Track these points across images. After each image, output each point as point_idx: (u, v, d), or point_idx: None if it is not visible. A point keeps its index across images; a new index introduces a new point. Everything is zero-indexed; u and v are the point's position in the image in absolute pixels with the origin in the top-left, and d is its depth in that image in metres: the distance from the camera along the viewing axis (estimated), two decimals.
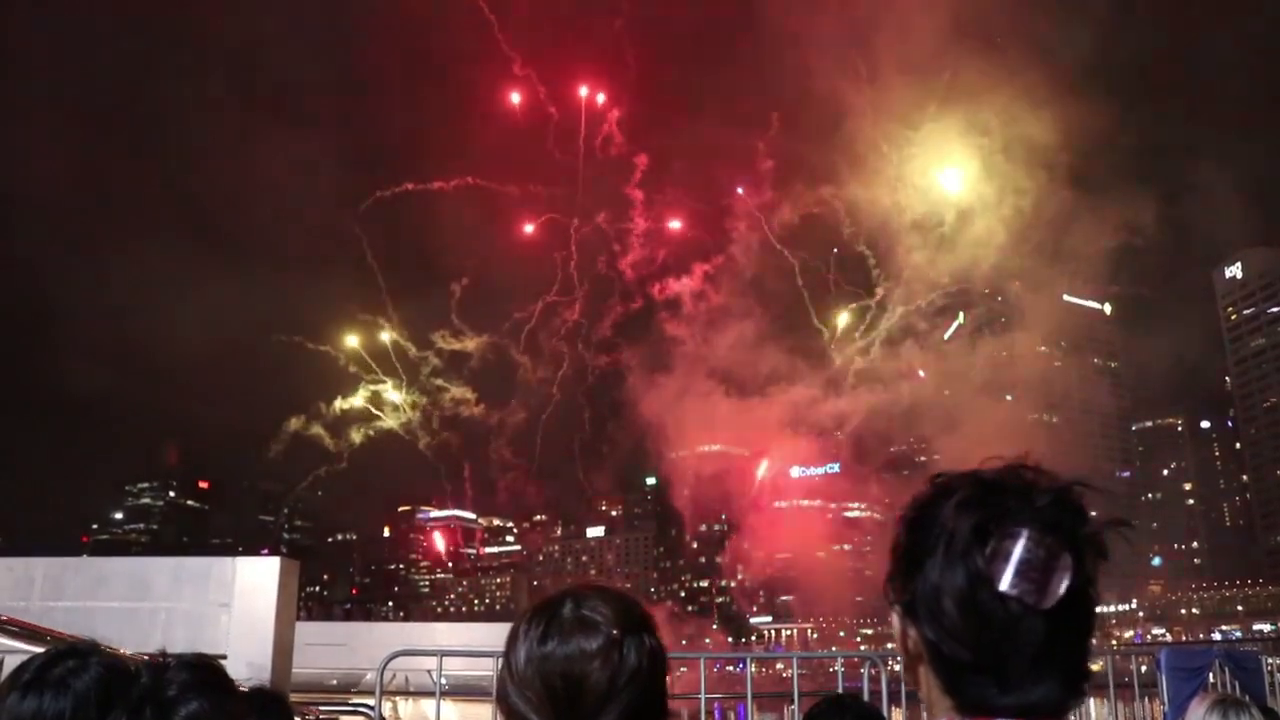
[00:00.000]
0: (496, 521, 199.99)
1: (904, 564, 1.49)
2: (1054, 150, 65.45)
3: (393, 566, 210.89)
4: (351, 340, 79.45)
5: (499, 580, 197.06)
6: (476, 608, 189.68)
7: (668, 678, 1.87)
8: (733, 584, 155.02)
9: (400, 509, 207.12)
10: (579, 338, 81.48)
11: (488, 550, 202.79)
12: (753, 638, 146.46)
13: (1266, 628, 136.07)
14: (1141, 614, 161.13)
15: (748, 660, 11.27)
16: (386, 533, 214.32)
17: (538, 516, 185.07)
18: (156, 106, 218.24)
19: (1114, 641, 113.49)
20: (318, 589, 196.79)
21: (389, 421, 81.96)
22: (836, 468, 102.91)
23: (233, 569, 10.61)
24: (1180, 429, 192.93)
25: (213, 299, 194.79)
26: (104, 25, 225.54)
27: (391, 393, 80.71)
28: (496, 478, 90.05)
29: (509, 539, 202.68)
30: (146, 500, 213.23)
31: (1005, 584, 1.35)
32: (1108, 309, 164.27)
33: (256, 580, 10.45)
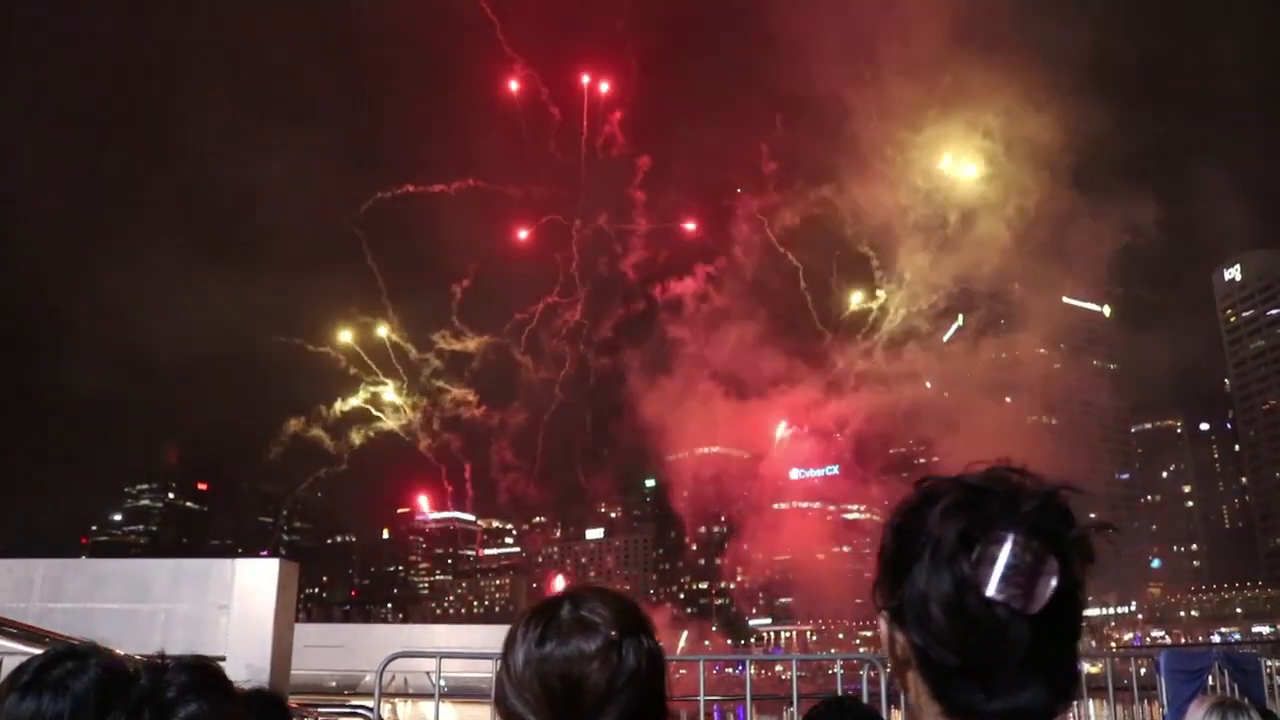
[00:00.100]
0: (496, 523, 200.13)
1: (891, 570, 1.49)
2: (1055, 152, 65.69)
3: (392, 568, 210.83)
4: (352, 341, 79.59)
5: (498, 582, 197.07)
6: (476, 610, 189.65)
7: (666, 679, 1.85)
8: (732, 586, 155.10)
9: (399, 511, 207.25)
10: (581, 338, 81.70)
11: (487, 552, 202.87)
12: (752, 639, 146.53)
13: (1266, 630, 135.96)
14: (1141, 616, 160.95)
15: (747, 662, 11.28)
16: (386, 535, 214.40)
17: (537, 518, 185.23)
18: (156, 106, 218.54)
19: (1113, 644, 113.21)
20: (317, 591, 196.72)
21: (389, 423, 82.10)
22: (836, 470, 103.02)
23: (232, 571, 10.61)
24: (1179, 431, 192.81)
25: (213, 300, 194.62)
26: (104, 26, 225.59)
27: (392, 394, 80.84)
28: (498, 479, 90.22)
29: (508, 541, 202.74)
30: (146, 502, 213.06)
31: (992, 589, 1.35)
32: (1107, 311, 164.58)
33: (256, 582, 10.45)
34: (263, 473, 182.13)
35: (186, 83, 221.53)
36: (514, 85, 78.03)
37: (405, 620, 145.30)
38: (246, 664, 9.34)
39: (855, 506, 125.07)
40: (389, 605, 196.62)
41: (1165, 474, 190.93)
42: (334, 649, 19.26)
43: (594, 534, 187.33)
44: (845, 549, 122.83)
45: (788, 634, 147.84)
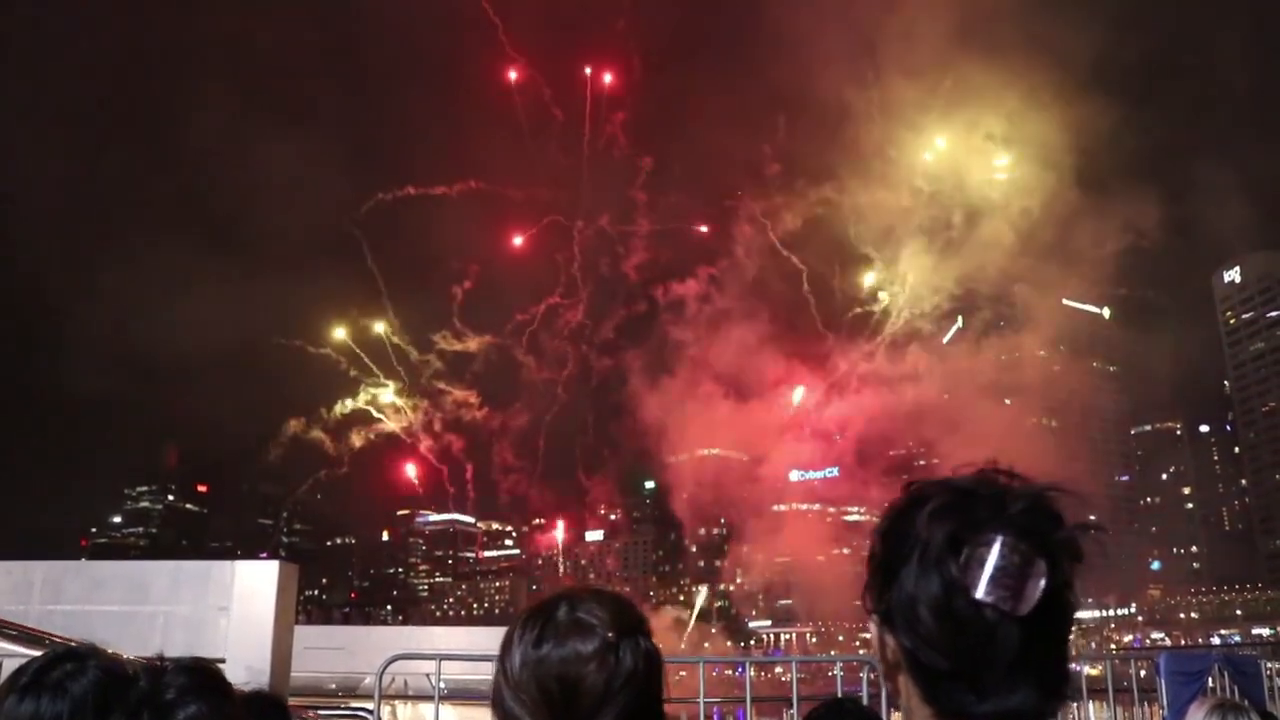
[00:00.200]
0: (495, 525, 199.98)
1: (880, 573, 1.52)
2: (1057, 153, 65.74)
3: (392, 570, 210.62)
4: (351, 342, 79.56)
5: (498, 584, 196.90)
6: (475, 612, 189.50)
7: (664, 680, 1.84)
8: (732, 588, 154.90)
9: (399, 513, 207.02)
10: (582, 340, 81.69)
11: (486, 554, 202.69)
12: (752, 641, 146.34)
13: (1266, 632, 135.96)
14: (1140, 618, 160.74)
15: (747, 664, 11.27)
16: (386, 537, 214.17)
17: (537, 520, 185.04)
18: (156, 106, 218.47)
19: (1113, 646, 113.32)
20: (317, 593, 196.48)
21: (390, 424, 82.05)
22: (836, 472, 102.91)
23: (231, 573, 10.61)
24: (1179, 433, 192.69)
25: (213, 301, 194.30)
26: (104, 26, 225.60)
27: (392, 396, 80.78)
28: (499, 480, 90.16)
29: (508, 543, 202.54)
30: (145, 504, 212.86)
31: (980, 591, 1.35)
32: (1106, 313, 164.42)
33: (255, 584, 10.44)
34: (262, 474, 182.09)
35: (186, 83, 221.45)
36: (514, 80, 78.04)
37: (405, 622, 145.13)
38: (246, 666, 9.32)
39: (855, 508, 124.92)
40: (389, 607, 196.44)
41: (1165, 476, 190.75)
42: (334, 651, 19.23)
43: (594, 536, 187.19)
44: (845, 551, 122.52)
45: (788, 636, 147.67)
